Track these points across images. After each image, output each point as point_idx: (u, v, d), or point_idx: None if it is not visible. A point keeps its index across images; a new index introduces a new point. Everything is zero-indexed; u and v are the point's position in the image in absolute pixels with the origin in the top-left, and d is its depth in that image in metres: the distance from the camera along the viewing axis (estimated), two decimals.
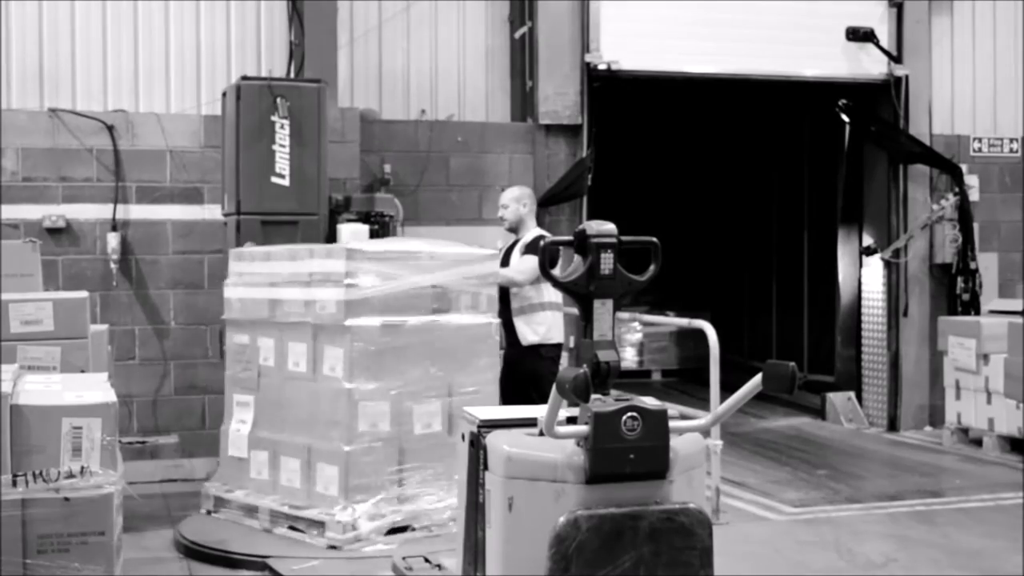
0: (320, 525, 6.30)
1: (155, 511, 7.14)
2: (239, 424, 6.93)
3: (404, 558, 5.14)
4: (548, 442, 3.92)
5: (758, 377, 3.81)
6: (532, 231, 7.51)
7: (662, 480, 3.79)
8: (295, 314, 6.60)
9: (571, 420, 4.00)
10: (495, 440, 4.07)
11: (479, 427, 4.20)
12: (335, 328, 6.39)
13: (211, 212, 8.45)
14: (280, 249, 6.93)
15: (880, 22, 10.41)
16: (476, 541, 4.24)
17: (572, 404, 3.80)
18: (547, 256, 4.06)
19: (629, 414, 3.82)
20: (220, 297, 7.33)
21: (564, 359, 7.30)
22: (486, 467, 4.10)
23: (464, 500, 4.32)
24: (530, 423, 4.11)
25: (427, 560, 5.11)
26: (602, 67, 9.57)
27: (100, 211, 8.38)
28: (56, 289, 7.67)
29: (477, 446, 4.20)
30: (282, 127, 7.62)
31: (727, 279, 15.08)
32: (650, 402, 3.92)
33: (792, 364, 3.75)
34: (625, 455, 3.84)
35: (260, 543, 6.33)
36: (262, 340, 6.83)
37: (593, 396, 3.78)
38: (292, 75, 8.77)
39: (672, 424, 3.84)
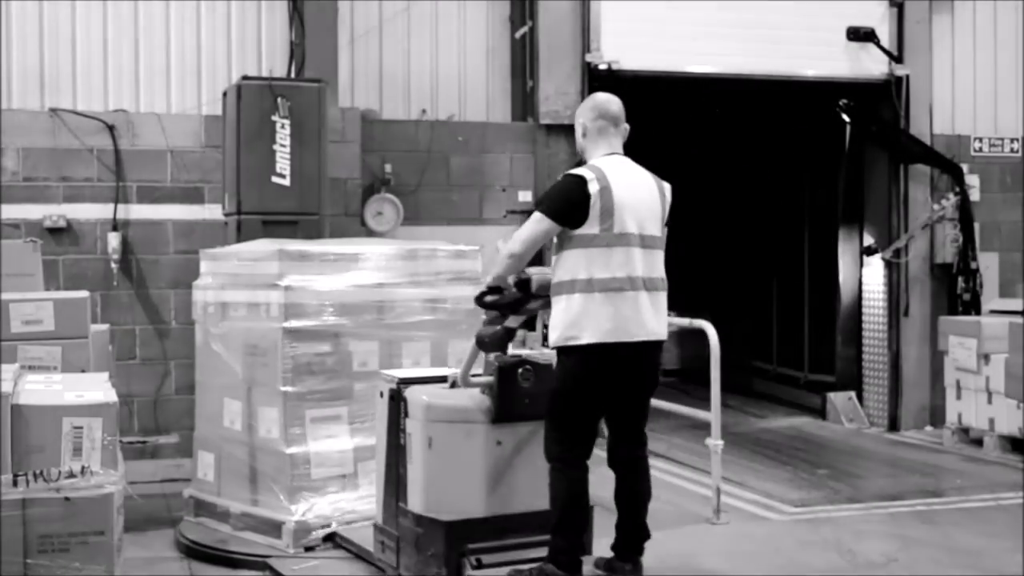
0: None
1: (155, 511, 7.13)
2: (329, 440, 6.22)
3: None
4: (457, 392, 5.20)
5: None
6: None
7: None
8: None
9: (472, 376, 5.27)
10: (414, 393, 5.21)
11: (398, 384, 5.32)
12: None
13: (212, 212, 8.45)
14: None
15: (881, 22, 10.41)
16: (398, 476, 5.27)
17: (488, 353, 5.12)
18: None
19: (524, 367, 5.11)
20: None
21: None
22: (407, 415, 5.20)
23: (384, 445, 5.38)
24: (438, 380, 5.34)
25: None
26: (603, 67, 9.57)
27: (101, 211, 8.39)
28: (57, 289, 7.67)
29: (397, 399, 5.28)
30: (283, 127, 7.62)
31: (727, 279, 15.05)
32: (540, 357, 5.14)
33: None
34: (521, 400, 5.11)
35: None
36: (355, 344, 6.34)
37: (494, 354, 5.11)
38: (293, 75, 8.77)
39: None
